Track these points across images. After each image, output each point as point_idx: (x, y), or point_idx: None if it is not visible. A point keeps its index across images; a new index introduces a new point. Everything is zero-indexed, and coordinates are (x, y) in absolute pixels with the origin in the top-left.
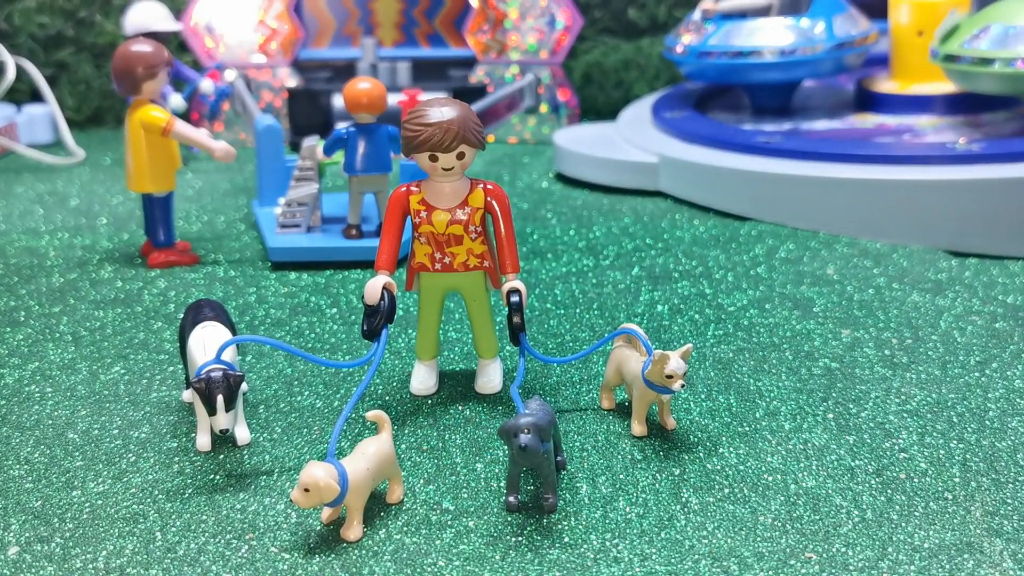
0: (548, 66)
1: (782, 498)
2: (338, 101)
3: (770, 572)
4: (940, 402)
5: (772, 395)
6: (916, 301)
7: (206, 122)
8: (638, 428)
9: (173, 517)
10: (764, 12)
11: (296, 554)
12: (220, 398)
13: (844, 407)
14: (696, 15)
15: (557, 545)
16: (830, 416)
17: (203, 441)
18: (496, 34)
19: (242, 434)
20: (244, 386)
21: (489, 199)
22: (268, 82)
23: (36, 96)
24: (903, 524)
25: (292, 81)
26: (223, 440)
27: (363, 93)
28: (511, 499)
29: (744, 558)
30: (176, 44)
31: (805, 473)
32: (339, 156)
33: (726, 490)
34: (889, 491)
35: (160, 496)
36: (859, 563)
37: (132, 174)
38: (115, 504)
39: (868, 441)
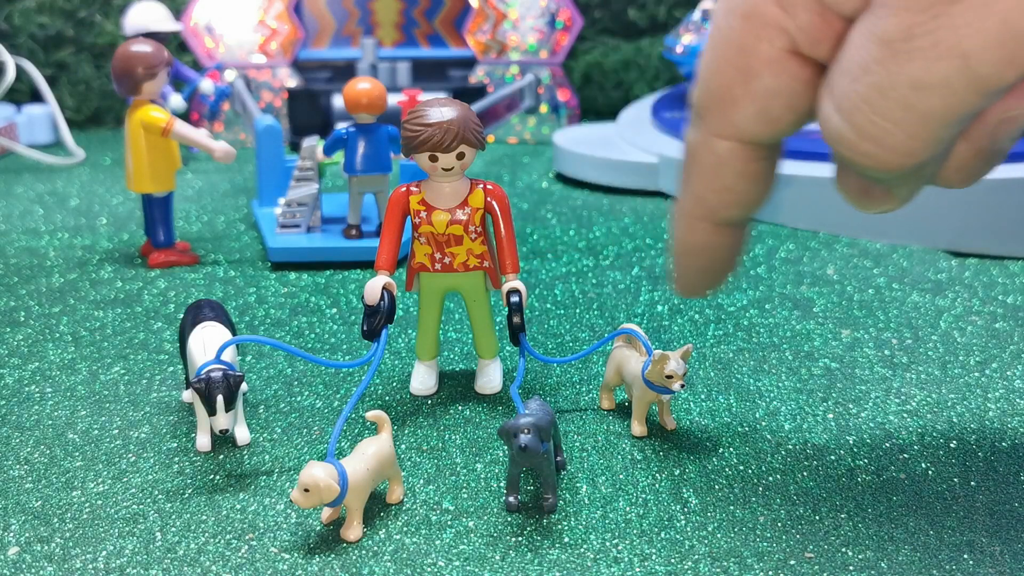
0: (548, 66)
1: (782, 498)
2: (338, 101)
3: (770, 572)
4: (940, 402)
5: (772, 395)
6: (916, 301)
7: (206, 122)
8: (638, 428)
9: (173, 517)
10: None
11: (296, 554)
12: (220, 398)
13: (844, 407)
14: (696, 15)
15: (557, 545)
16: (830, 416)
17: (203, 441)
18: (496, 34)
19: (242, 434)
20: (244, 386)
21: (489, 199)
22: (268, 82)
23: (36, 96)
24: (903, 524)
25: (292, 81)
26: (223, 440)
27: (363, 93)
28: (511, 499)
29: (744, 558)
30: (176, 44)
31: (805, 473)
32: (339, 156)
33: (726, 490)
34: (889, 491)
35: (160, 496)
36: (859, 563)
37: (132, 174)
38: (115, 504)
39: (868, 441)
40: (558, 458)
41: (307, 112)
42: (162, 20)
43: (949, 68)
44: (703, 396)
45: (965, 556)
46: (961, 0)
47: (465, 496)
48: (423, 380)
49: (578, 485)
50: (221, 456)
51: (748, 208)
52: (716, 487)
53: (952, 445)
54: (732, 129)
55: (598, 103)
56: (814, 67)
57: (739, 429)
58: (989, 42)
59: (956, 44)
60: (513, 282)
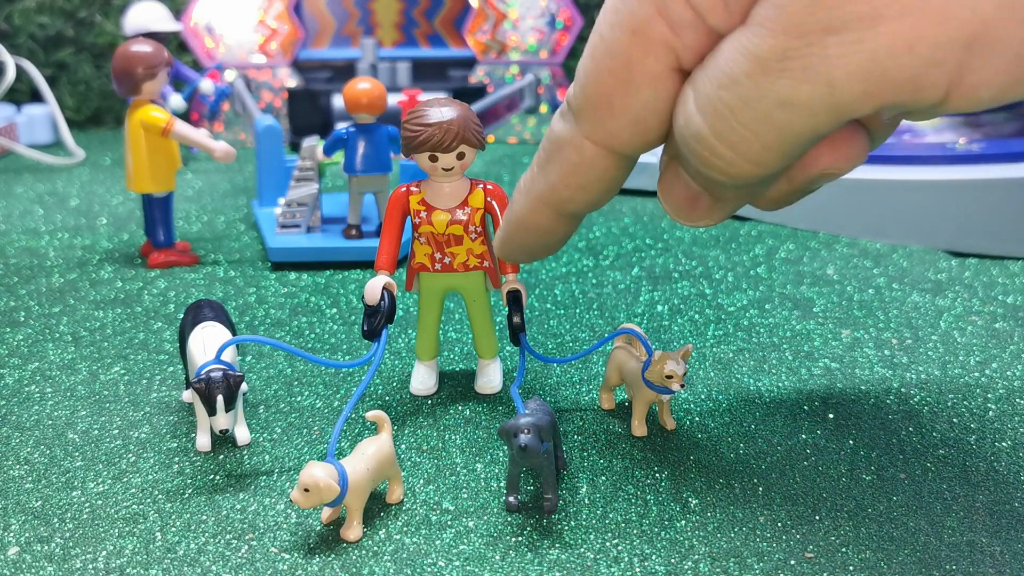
0: (548, 66)
1: (782, 498)
2: (338, 101)
3: (770, 572)
4: (940, 402)
5: (772, 395)
6: (916, 301)
7: (206, 122)
8: (638, 428)
9: (173, 517)
10: None
11: (296, 554)
12: (220, 398)
13: (844, 407)
14: None
15: (557, 545)
16: (830, 416)
17: (203, 441)
18: (496, 34)
19: (242, 434)
20: (244, 386)
21: (489, 199)
22: (268, 82)
23: (36, 96)
24: (903, 524)
25: (292, 81)
26: (223, 440)
27: (363, 93)
28: (511, 499)
29: (744, 558)
30: (176, 44)
31: (805, 473)
32: (339, 156)
33: (726, 490)
34: (889, 491)
35: (160, 496)
36: (859, 563)
37: (132, 174)
38: (115, 504)
39: (868, 441)
40: (558, 457)
41: (307, 112)
42: (162, 20)
43: (813, 92)
44: (703, 396)
45: (965, 556)
46: (836, 33)
47: (465, 496)
48: (423, 380)
49: (578, 485)
50: (221, 456)
51: (593, 207)
52: (716, 487)
53: (951, 445)
54: (606, 136)
55: None
56: None
57: (739, 429)
58: (854, 75)
59: (825, 72)
60: (513, 282)
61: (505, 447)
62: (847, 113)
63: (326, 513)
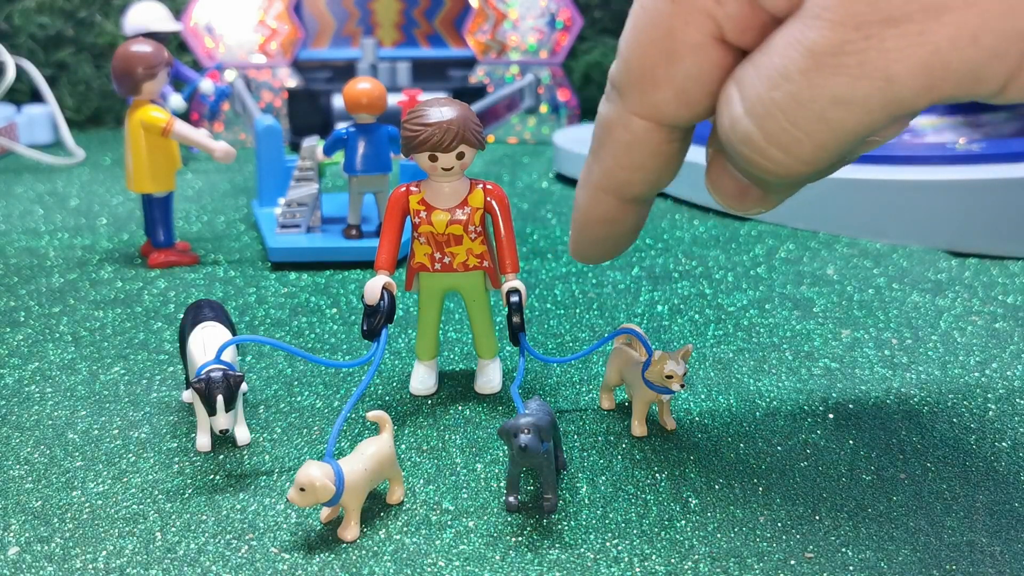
0: (548, 66)
1: (782, 498)
2: (338, 101)
3: (770, 572)
4: (940, 402)
5: (772, 395)
6: (916, 301)
7: (206, 122)
8: (638, 428)
9: (173, 517)
10: None
11: (296, 554)
12: (220, 398)
13: (844, 407)
14: None
15: (557, 545)
16: (830, 416)
17: (203, 441)
18: (496, 34)
19: (242, 434)
20: (244, 386)
21: (489, 199)
22: (268, 82)
23: (36, 96)
24: (903, 524)
25: (292, 81)
26: (223, 440)
27: (363, 93)
28: (511, 499)
29: (744, 558)
30: (176, 44)
31: (805, 474)
32: (339, 156)
33: (726, 490)
34: (889, 491)
35: (160, 496)
36: (859, 563)
37: (132, 174)
38: (115, 504)
39: (868, 441)
40: (558, 457)
41: (307, 112)
42: (162, 20)
43: (871, 88)
44: (703, 396)
45: (965, 556)
46: (896, 25)
47: (465, 496)
48: (423, 380)
49: (578, 485)
50: (221, 456)
51: (655, 187)
52: (716, 487)
53: (951, 445)
54: (651, 110)
55: (598, 103)
56: (736, 55)
57: (739, 429)
58: (915, 69)
59: (883, 66)
60: (513, 282)
61: (505, 447)
62: (904, 109)
63: (325, 512)
